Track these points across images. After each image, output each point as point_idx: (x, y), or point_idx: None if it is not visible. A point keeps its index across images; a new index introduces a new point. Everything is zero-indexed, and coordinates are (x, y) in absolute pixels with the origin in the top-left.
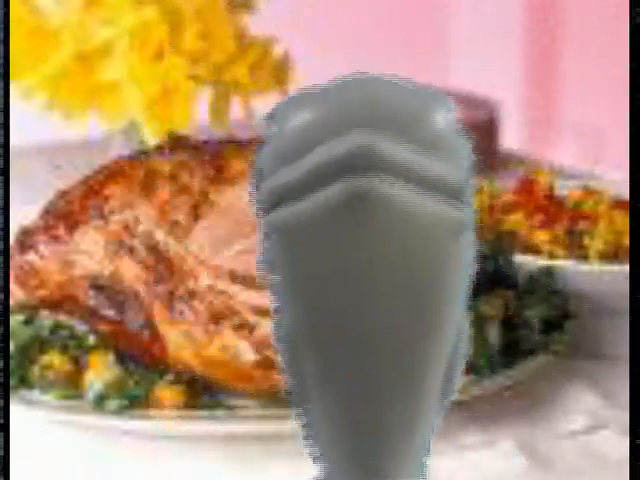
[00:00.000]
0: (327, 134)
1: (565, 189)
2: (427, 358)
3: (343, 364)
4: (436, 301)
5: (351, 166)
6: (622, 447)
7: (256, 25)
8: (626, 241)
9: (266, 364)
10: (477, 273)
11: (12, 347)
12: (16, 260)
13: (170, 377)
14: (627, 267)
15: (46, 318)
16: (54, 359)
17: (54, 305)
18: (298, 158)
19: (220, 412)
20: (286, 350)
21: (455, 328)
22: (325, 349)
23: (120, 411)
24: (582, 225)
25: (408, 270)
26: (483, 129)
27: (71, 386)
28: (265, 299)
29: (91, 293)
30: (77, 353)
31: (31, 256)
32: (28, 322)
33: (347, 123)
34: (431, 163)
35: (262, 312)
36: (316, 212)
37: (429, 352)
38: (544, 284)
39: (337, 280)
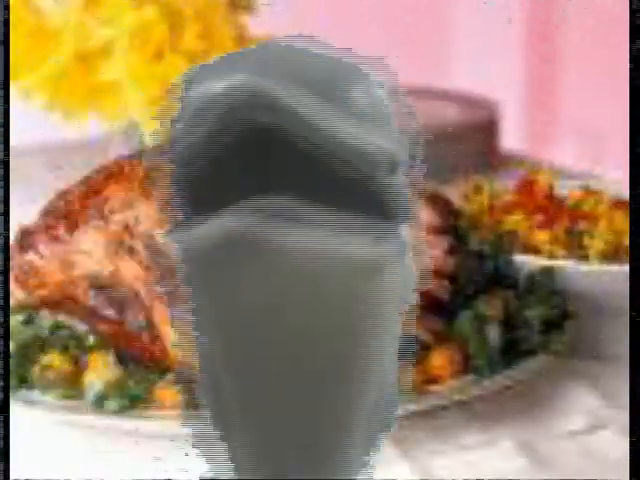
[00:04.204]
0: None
1: (565, 189)
2: (350, 398)
3: (261, 395)
4: (355, 345)
5: (232, 103)
6: (622, 447)
7: (256, 25)
8: (626, 241)
9: None
10: (477, 273)
11: (12, 347)
12: (16, 260)
13: (170, 377)
14: (627, 267)
15: (46, 318)
16: (54, 359)
17: (54, 305)
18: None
19: None
20: (203, 371)
21: (382, 361)
22: (240, 377)
23: (120, 411)
24: (582, 225)
25: (317, 313)
26: (483, 129)
27: (71, 386)
28: None
29: (91, 293)
30: (77, 353)
31: (31, 256)
32: (28, 322)
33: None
34: (345, 124)
35: None
36: (206, 245)
37: (353, 383)
38: (544, 284)
39: (244, 317)
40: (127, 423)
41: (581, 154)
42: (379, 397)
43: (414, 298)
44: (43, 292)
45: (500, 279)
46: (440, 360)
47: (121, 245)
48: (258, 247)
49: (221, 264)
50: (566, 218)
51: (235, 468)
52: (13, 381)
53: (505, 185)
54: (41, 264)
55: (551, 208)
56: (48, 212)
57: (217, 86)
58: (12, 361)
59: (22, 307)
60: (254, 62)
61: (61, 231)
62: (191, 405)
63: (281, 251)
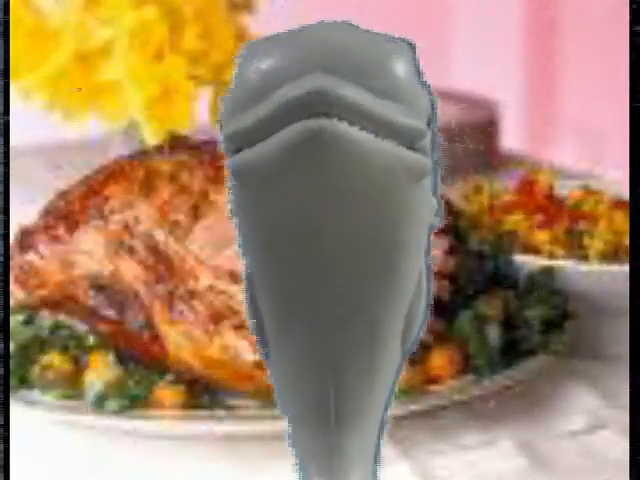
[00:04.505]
0: (285, 79)
1: (565, 189)
2: (384, 306)
3: (298, 310)
4: (394, 249)
5: (308, 108)
6: (622, 447)
7: (256, 25)
8: (626, 241)
9: None
10: (477, 273)
11: (12, 347)
12: (16, 260)
13: (170, 377)
14: (627, 267)
15: (46, 318)
16: (54, 359)
17: (54, 305)
18: (256, 104)
19: (220, 412)
20: (246, 293)
21: (414, 278)
22: (279, 295)
23: (120, 411)
24: (582, 225)
25: (365, 217)
26: (483, 129)
27: (71, 386)
28: None
29: (91, 293)
30: (77, 353)
31: (31, 256)
32: (28, 322)
33: (306, 68)
34: (389, 109)
35: None
36: (269, 154)
37: (386, 301)
38: (544, 284)
39: (291, 226)
40: (127, 423)
41: (581, 154)
42: (407, 318)
43: (440, 222)
44: (43, 292)
45: (500, 279)
46: (440, 360)
47: (121, 245)
48: (336, 145)
49: (278, 177)
50: (566, 218)
51: (277, 395)
52: (13, 381)
53: (505, 185)
54: (41, 264)
55: (551, 208)
56: (48, 212)
57: (295, 91)
58: (12, 361)
59: (22, 307)
60: (304, 45)
61: (61, 231)
62: (191, 405)
63: (348, 150)
